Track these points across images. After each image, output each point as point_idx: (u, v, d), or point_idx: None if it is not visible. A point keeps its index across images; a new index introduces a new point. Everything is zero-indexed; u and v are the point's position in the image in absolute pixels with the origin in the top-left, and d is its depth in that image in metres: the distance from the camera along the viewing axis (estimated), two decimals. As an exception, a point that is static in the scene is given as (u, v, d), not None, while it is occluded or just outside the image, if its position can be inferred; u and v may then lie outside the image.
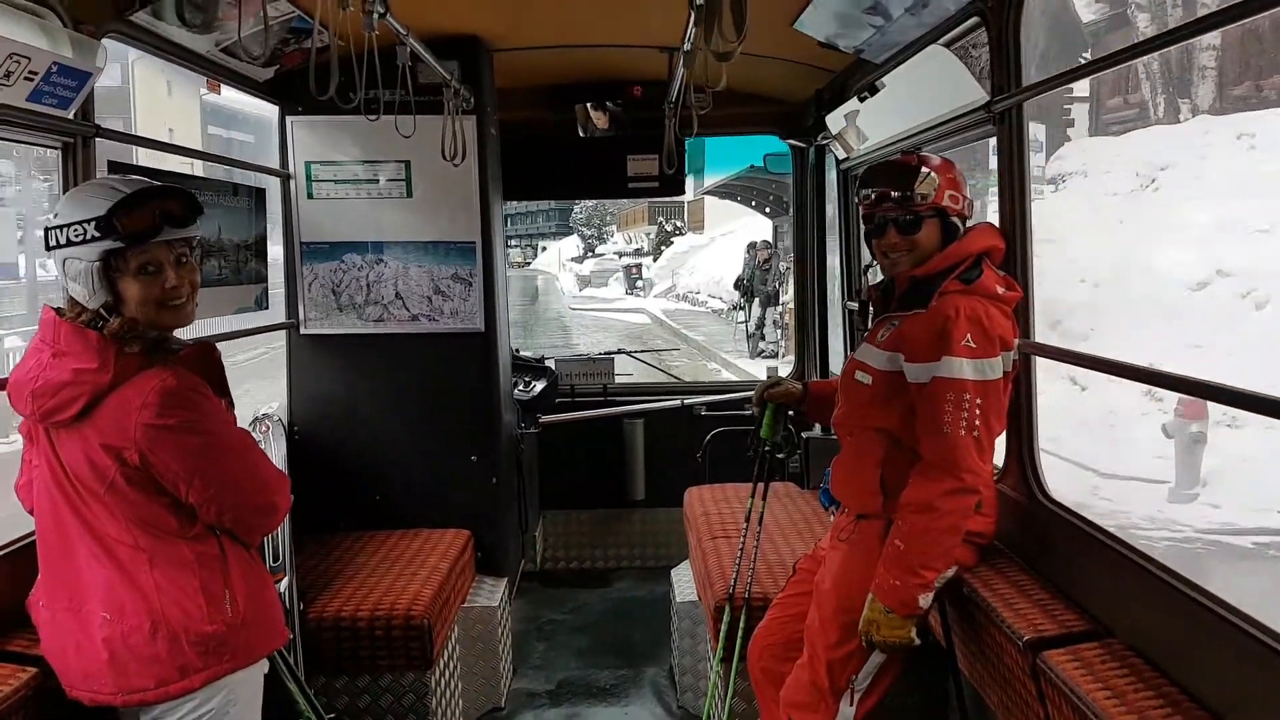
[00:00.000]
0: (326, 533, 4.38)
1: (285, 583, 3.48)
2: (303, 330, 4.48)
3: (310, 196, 4.41)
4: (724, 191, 22.91)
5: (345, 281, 4.45)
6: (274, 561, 3.53)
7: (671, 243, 45.87)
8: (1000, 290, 2.75)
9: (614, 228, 59.69)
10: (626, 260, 46.85)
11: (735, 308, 22.70)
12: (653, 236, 49.69)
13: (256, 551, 2.53)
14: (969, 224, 2.87)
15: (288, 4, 3.40)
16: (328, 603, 3.65)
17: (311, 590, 3.74)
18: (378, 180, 4.41)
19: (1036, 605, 2.65)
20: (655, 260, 44.63)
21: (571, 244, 59.14)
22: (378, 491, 4.51)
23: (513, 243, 61.20)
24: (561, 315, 32.42)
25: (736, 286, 20.90)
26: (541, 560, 5.99)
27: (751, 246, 20.85)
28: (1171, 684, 2.21)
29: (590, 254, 56.29)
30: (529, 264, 63.90)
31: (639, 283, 40.76)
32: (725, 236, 34.83)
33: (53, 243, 2.23)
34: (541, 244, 67.45)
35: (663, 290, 37.31)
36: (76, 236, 2.19)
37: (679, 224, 47.94)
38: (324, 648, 3.55)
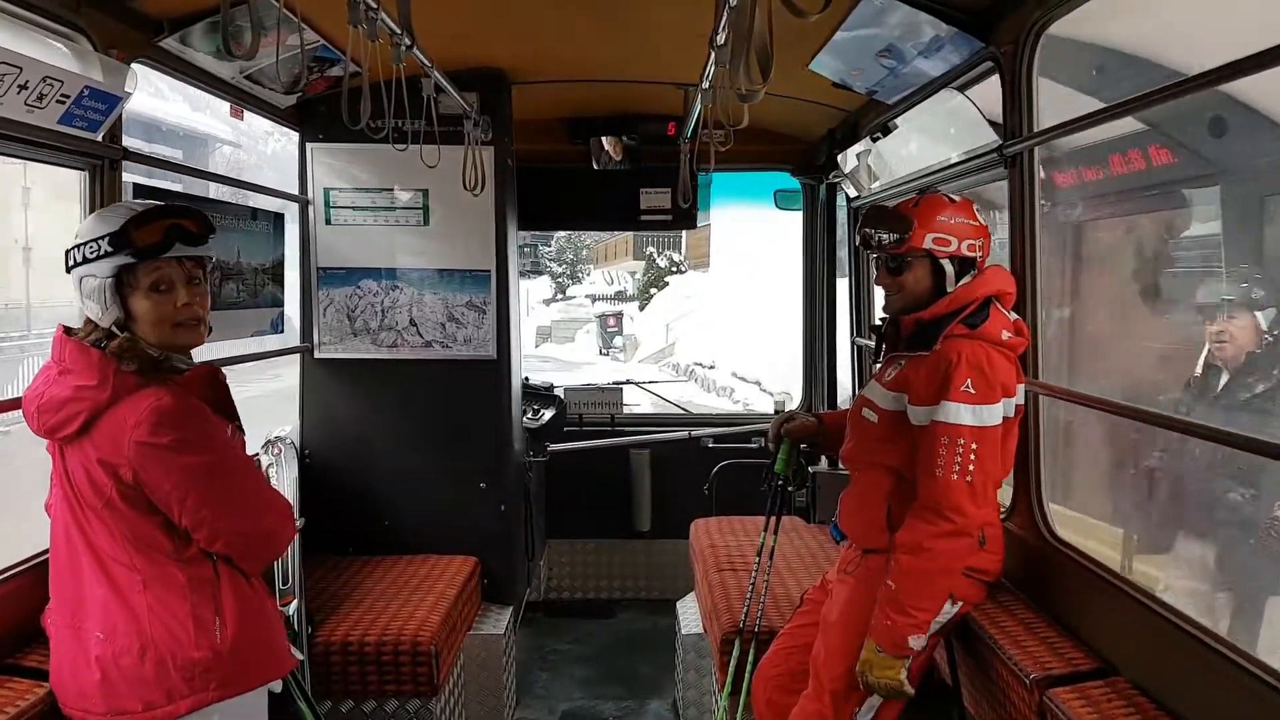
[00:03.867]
0: (336, 556, 4.41)
1: (294, 605, 3.50)
2: (317, 354, 4.53)
3: (328, 222, 4.47)
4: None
5: (360, 307, 4.50)
6: (283, 584, 3.55)
7: (665, 284, 35.81)
8: (1006, 335, 2.77)
9: (590, 265, 49.28)
10: (602, 308, 35.85)
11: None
12: (639, 276, 39.60)
13: (261, 578, 2.51)
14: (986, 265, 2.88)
15: (314, 34, 3.47)
16: (335, 626, 3.67)
17: (320, 613, 3.75)
18: (395, 208, 4.47)
19: (1044, 643, 2.67)
20: (641, 308, 34.79)
21: (544, 284, 47.64)
22: (387, 516, 4.53)
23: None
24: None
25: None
26: (545, 589, 5.99)
27: None
28: None
29: (561, 295, 45.60)
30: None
31: (617, 340, 30.80)
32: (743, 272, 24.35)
33: (70, 262, 2.28)
34: (513, 284, 55.24)
35: (652, 353, 27.66)
36: (91, 253, 2.24)
37: (675, 257, 38.03)
38: (331, 671, 3.56)
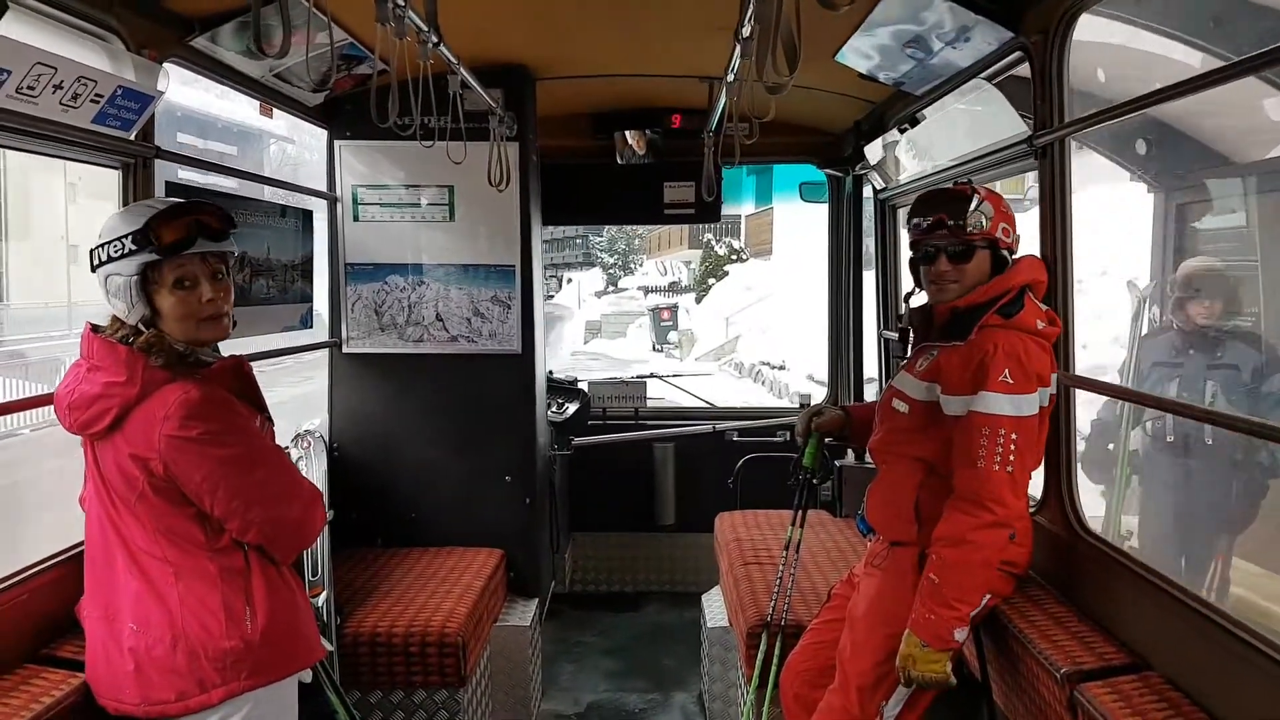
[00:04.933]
0: (364, 548, 4.45)
1: (324, 597, 3.53)
2: (345, 349, 4.56)
3: (356, 219, 4.51)
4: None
5: (387, 302, 4.54)
6: (313, 575, 3.59)
7: (725, 273, 32.97)
8: (1040, 325, 2.76)
9: (643, 256, 45.99)
10: (655, 300, 33.45)
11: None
12: (695, 266, 36.83)
13: (291, 568, 2.54)
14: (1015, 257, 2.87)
15: (342, 32, 3.49)
16: (364, 618, 3.70)
17: (348, 605, 3.79)
18: (421, 204, 4.50)
19: (1074, 637, 2.65)
20: (698, 300, 32.17)
21: (596, 275, 45.06)
22: (414, 509, 4.57)
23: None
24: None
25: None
26: (570, 582, 6.01)
27: None
28: (1210, 718, 2.21)
29: (613, 288, 43.34)
30: (551, 297, 41.12)
31: (671, 334, 28.60)
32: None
33: (95, 262, 2.31)
34: (567, 275, 46.49)
35: (711, 349, 25.38)
36: (116, 252, 2.27)
37: (735, 244, 34.98)
38: (360, 662, 3.60)
